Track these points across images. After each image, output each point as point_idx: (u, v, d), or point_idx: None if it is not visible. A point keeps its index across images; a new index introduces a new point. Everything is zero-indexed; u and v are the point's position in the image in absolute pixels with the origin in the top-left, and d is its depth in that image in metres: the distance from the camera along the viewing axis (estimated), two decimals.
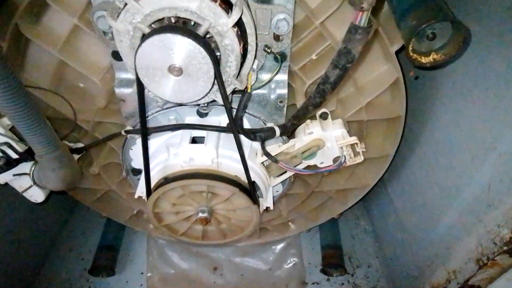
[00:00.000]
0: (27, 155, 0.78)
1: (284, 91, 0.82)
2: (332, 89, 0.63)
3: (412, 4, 0.63)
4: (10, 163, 0.78)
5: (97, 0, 0.68)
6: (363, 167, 1.12)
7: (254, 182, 0.86)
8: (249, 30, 0.61)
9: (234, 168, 0.82)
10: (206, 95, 0.60)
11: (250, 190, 0.83)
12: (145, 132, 0.69)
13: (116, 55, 0.76)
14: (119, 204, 1.24)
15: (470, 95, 0.84)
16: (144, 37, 0.53)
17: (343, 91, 0.92)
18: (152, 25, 0.55)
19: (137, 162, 0.97)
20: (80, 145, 0.94)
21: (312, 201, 1.22)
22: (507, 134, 0.75)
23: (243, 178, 0.83)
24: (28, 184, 0.82)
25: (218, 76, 0.56)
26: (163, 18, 0.55)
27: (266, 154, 0.82)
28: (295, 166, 0.88)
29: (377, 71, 0.88)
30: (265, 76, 0.79)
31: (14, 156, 0.78)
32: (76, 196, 1.19)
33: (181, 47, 0.52)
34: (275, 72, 0.74)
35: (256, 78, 0.75)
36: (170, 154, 0.81)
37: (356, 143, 0.82)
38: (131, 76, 0.80)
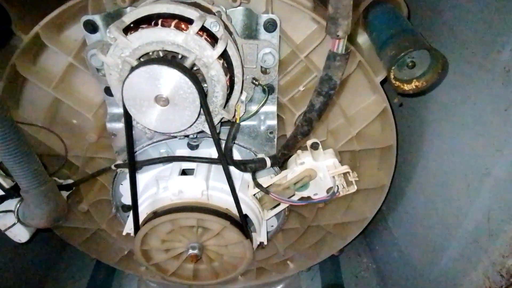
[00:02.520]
0: (13, 191, 0.76)
1: (274, 122, 0.83)
2: (318, 117, 0.64)
3: (390, 36, 0.66)
4: None
5: (91, 39, 0.71)
6: (360, 199, 1.10)
7: (246, 215, 0.84)
8: (235, 62, 0.63)
9: (225, 200, 0.80)
10: (192, 124, 0.61)
11: (242, 224, 0.80)
12: (133, 163, 0.69)
13: (109, 91, 0.78)
14: (108, 244, 1.20)
15: (459, 122, 0.85)
16: (132, 69, 0.55)
17: (334, 122, 0.93)
18: (140, 58, 0.57)
19: (127, 197, 0.94)
20: (71, 181, 0.93)
21: (310, 237, 1.17)
22: (499, 159, 0.74)
23: (235, 211, 0.81)
24: (12, 222, 0.79)
25: (203, 104, 0.57)
26: (150, 52, 0.57)
27: (257, 185, 0.80)
28: (288, 198, 0.86)
29: (365, 102, 0.89)
30: (254, 108, 0.80)
31: (0, 193, 0.76)
32: (64, 236, 1.15)
33: (167, 78, 0.54)
34: (262, 103, 0.75)
35: (245, 109, 0.77)
36: (159, 187, 0.80)
37: (348, 172, 0.81)
38: (122, 110, 0.82)
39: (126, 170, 0.88)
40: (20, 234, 0.85)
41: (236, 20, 0.72)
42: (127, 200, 0.96)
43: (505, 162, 0.73)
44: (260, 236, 0.90)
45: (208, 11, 0.66)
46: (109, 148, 0.91)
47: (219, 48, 0.56)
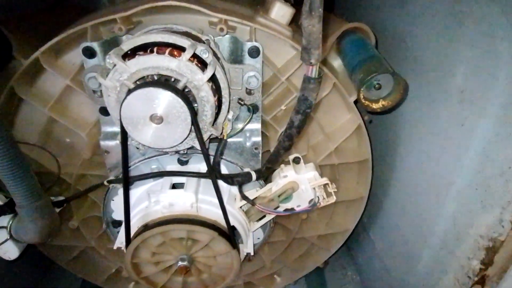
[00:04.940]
0: (7, 207, 0.79)
1: (259, 138, 0.90)
2: (298, 133, 0.71)
3: (359, 62, 0.75)
4: None
5: (89, 63, 0.77)
6: (341, 211, 1.16)
7: (233, 226, 0.88)
8: (223, 84, 0.70)
9: (213, 212, 0.85)
10: (184, 140, 0.67)
11: (229, 234, 0.84)
12: (127, 177, 0.73)
13: (103, 111, 0.83)
14: (96, 262, 1.20)
15: (425, 137, 0.94)
16: (130, 91, 0.61)
17: (314, 138, 1.01)
18: (137, 81, 0.63)
19: (118, 213, 0.98)
20: (62, 198, 0.96)
21: (295, 249, 1.22)
22: (460, 169, 0.83)
23: (223, 222, 0.85)
24: (4, 238, 0.81)
25: (194, 122, 0.63)
26: (146, 76, 0.63)
27: (244, 197, 0.86)
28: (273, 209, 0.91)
29: (341, 119, 0.98)
30: (240, 126, 0.87)
31: None
32: (50, 254, 1.15)
33: (162, 99, 0.60)
34: (247, 121, 0.82)
35: (232, 127, 0.83)
36: (150, 201, 0.84)
37: (328, 184, 0.88)
38: (116, 129, 0.87)
39: (118, 186, 0.92)
40: (10, 251, 0.86)
41: (223, 46, 0.80)
42: (118, 215, 0.99)
43: (465, 172, 0.82)
44: (247, 247, 0.94)
45: (198, 39, 0.74)
46: (100, 165, 0.95)
47: (208, 72, 0.63)
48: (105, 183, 0.87)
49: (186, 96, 0.62)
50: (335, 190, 0.90)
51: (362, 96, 0.73)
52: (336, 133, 0.99)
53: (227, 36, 0.78)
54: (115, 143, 0.87)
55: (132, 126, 0.63)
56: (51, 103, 0.85)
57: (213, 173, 0.74)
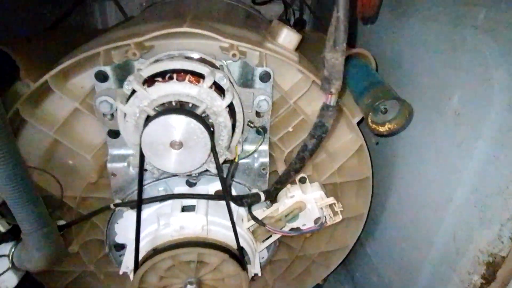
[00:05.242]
0: (10, 234, 0.76)
1: (266, 159, 0.91)
2: (310, 156, 0.74)
3: (366, 87, 0.79)
4: None
5: (100, 87, 0.77)
6: (341, 228, 1.18)
7: (242, 247, 0.88)
8: (237, 109, 0.72)
9: (223, 234, 0.85)
10: (202, 165, 0.68)
11: (240, 256, 0.84)
12: (141, 201, 0.73)
13: (112, 134, 0.83)
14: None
15: (423, 156, 0.99)
16: (152, 118, 0.61)
17: (317, 158, 1.04)
18: (156, 108, 0.64)
19: (122, 236, 0.96)
20: (63, 222, 0.93)
21: (297, 267, 1.22)
22: (458, 187, 0.87)
23: (232, 244, 0.85)
24: (5, 267, 0.77)
25: (213, 148, 0.64)
26: (166, 102, 0.64)
27: (253, 218, 0.86)
28: (281, 229, 0.92)
29: (344, 140, 1.01)
30: (248, 147, 0.89)
31: None
32: (44, 280, 1.10)
33: (183, 125, 0.61)
34: (260, 142, 0.84)
35: (242, 149, 0.85)
36: (160, 224, 0.83)
37: (334, 203, 0.90)
38: (123, 152, 0.86)
39: (123, 209, 0.90)
40: (8, 280, 0.82)
41: (233, 71, 0.83)
42: (121, 239, 0.96)
43: (463, 190, 0.86)
44: (254, 268, 0.94)
45: (212, 65, 0.75)
46: (103, 188, 0.93)
47: (228, 99, 0.65)
48: (112, 206, 0.86)
49: (206, 122, 0.63)
50: (341, 209, 0.92)
51: (370, 120, 0.77)
52: (339, 152, 1.02)
53: (238, 61, 0.81)
54: (123, 165, 0.86)
55: (152, 151, 0.63)
56: (58, 126, 0.83)
57: (228, 196, 0.75)
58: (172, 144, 0.63)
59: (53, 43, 1.11)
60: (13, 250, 0.77)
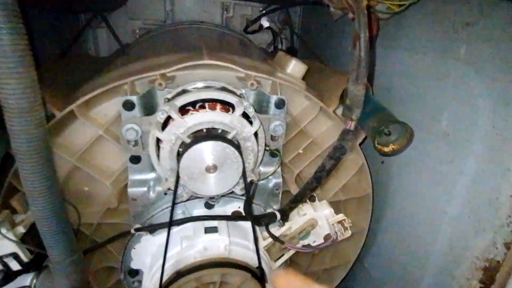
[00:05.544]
0: (32, 264, 0.75)
1: (280, 180, 0.97)
2: (327, 176, 0.81)
3: (369, 112, 0.89)
4: (9, 276, 0.74)
5: (126, 115, 0.81)
6: (343, 243, 1.24)
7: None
8: (260, 134, 0.78)
9: (243, 254, 0.88)
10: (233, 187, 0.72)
11: (261, 275, 0.88)
12: (171, 224, 0.75)
13: (134, 159, 0.86)
14: None
15: (418, 173, 1.09)
16: (191, 144, 0.66)
17: None
18: (191, 135, 0.69)
19: (138, 262, 0.96)
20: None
21: None
22: (451, 200, 0.97)
23: (251, 263, 0.88)
24: None
25: (244, 171, 0.69)
26: (200, 130, 0.69)
27: (273, 237, 0.90)
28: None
29: (347, 159, 1.10)
30: (263, 169, 0.94)
31: (16, 267, 0.74)
32: None
33: (219, 150, 0.65)
34: (279, 164, 0.90)
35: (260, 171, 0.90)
36: (183, 246, 0.85)
37: (344, 219, 0.97)
38: (143, 177, 0.89)
39: (142, 234, 0.91)
40: None
41: (250, 99, 0.89)
42: (137, 264, 0.96)
43: (456, 202, 0.96)
44: (270, 286, 0.97)
45: (234, 93, 0.82)
46: (119, 213, 0.94)
47: (256, 125, 0.71)
48: (132, 231, 0.87)
49: (239, 147, 0.69)
50: (351, 224, 0.99)
51: (376, 142, 0.86)
52: (342, 171, 1.10)
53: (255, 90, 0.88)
54: (143, 190, 0.88)
55: (188, 175, 0.67)
56: (80, 153, 0.85)
57: (252, 217, 0.79)
58: (208, 169, 0.67)
59: (60, 72, 1.14)
60: (34, 280, 0.76)
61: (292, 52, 1.79)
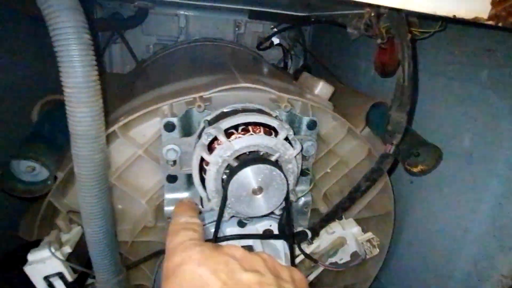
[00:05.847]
0: (76, 284, 0.75)
1: (309, 198, 0.99)
2: (361, 196, 0.83)
3: None
4: None
5: (167, 136, 0.83)
6: (365, 260, 1.26)
7: None
8: (298, 156, 0.81)
9: None
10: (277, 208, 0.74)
11: None
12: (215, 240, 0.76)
13: (171, 178, 0.87)
14: None
15: (441, 191, 1.11)
16: (238, 167, 0.68)
17: None
18: (237, 158, 0.71)
19: None
20: None
21: None
22: (475, 218, 0.99)
23: None
24: None
25: (288, 193, 0.71)
26: (245, 153, 0.72)
27: (306, 255, 0.92)
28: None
29: None
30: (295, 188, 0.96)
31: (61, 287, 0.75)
32: None
33: (267, 173, 0.68)
34: (312, 183, 0.92)
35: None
36: None
37: (373, 238, 0.99)
38: (178, 195, 0.90)
39: None
40: None
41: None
42: None
43: (481, 221, 0.99)
44: None
45: (269, 115, 0.85)
46: (152, 231, 0.95)
47: (298, 148, 0.73)
48: None
49: (284, 170, 0.71)
50: (378, 242, 1.00)
51: (406, 163, 0.89)
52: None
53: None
54: None
55: (235, 197, 0.69)
56: (119, 173, 0.87)
57: (292, 237, 0.81)
58: (254, 191, 0.70)
59: None
60: None
61: (307, 69, 1.84)
